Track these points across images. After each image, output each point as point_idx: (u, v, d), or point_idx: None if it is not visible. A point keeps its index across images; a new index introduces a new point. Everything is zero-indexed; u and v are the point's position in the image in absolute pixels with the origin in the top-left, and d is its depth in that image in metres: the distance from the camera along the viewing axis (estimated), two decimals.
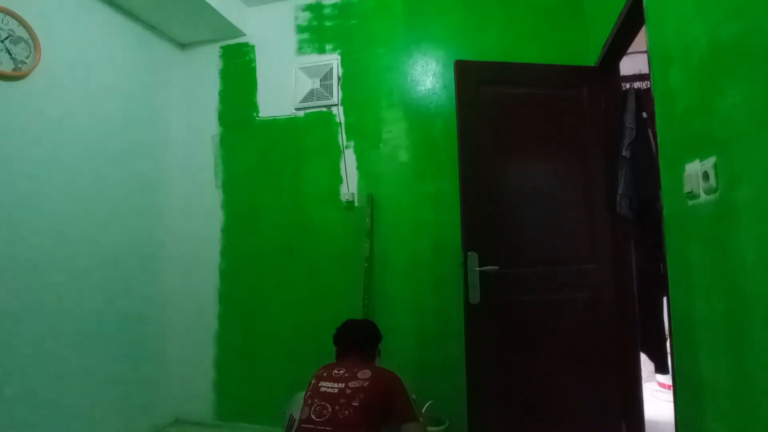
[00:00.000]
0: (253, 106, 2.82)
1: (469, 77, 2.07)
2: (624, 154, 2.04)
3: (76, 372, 2.15)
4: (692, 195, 1.15)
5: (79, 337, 2.18)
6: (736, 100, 0.96)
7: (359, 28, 2.68)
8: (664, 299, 1.76)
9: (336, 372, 1.72)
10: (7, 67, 1.92)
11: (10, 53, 1.92)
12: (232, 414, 2.68)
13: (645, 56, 1.50)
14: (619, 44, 1.92)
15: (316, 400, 1.63)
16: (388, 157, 2.55)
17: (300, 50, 2.78)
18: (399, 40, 2.61)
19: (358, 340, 1.91)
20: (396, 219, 2.50)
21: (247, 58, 2.87)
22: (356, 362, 1.80)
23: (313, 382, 1.72)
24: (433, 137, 2.49)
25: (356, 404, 1.59)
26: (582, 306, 2.06)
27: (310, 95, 2.70)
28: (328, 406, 1.61)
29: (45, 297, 2.03)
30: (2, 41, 1.90)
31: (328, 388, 1.66)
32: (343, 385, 1.65)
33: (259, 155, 2.78)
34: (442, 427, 2.16)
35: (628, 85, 2.19)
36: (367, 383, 1.66)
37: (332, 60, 2.69)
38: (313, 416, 1.59)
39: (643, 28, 1.53)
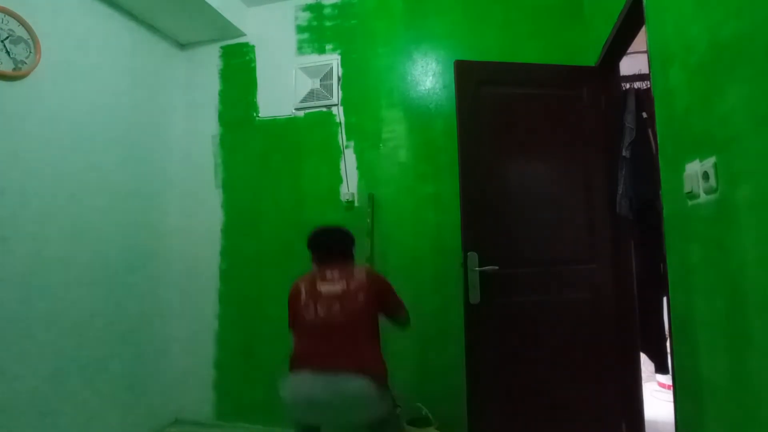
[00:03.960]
0: (253, 106, 2.82)
1: (469, 77, 2.07)
2: (624, 154, 2.04)
3: (76, 372, 2.15)
4: (692, 195, 1.15)
5: (79, 338, 2.18)
6: (735, 100, 0.96)
7: (359, 28, 2.68)
8: (664, 299, 1.76)
9: (330, 274, 1.79)
10: (7, 67, 1.92)
11: (10, 53, 1.92)
12: (232, 414, 2.68)
13: (645, 56, 1.49)
14: (619, 44, 1.92)
15: (320, 299, 1.71)
16: (388, 157, 2.55)
17: (300, 50, 2.78)
18: (399, 40, 2.61)
19: (340, 246, 1.93)
20: (396, 219, 2.50)
21: (247, 58, 2.87)
22: (345, 266, 1.85)
23: (306, 288, 1.77)
24: (433, 137, 2.49)
25: (362, 299, 1.70)
26: (582, 306, 2.06)
27: (310, 95, 2.70)
28: (336, 302, 1.70)
29: (44, 297, 2.03)
30: (2, 41, 1.90)
31: (329, 288, 1.74)
32: (345, 284, 1.74)
33: (259, 155, 2.78)
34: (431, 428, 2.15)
35: (628, 85, 2.19)
36: (365, 281, 1.75)
37: (332, 60, 2.69)
38: (320, 313, 1.69)
39: (643, 28, 1.53)
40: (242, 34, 2.87)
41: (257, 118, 2.81)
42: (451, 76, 2.33)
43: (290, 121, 2.74)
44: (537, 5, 2.42)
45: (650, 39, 1.44)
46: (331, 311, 1.69)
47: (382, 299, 1.78)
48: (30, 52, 2.01)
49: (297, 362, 1.68)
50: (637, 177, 2.01)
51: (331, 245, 1.92)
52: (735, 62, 0.96)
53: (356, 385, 1.59)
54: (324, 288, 1.74)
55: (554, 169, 2.15)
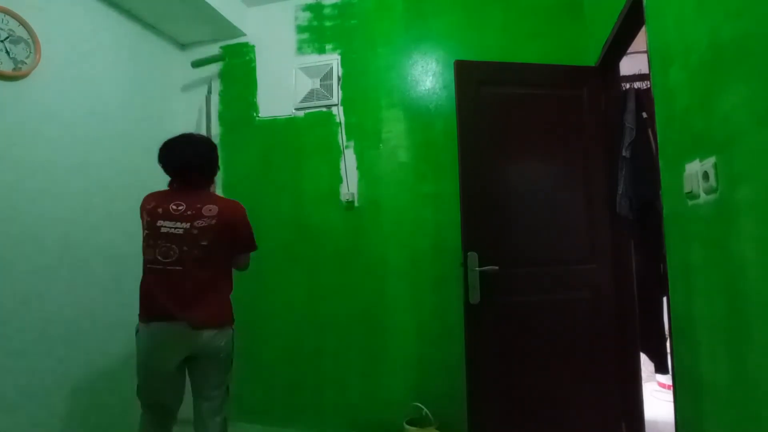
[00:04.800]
0: (253, 106, 2.82)
1: (469, 77, 2.07)
2: (624, 154, 2.04)
3: (77, 372, 2.14)
4: (692, 195, 1.15)
5: (79, 337, 2.17)
6: (736, 100, 0.96)
7: (359, 28, 2.68)
8: (664, 299, 1.76)
9: (175, 208, 1.61)
10: (7, 67, 1.92)
11: (9, 53, 1.92)
12: (232, 414, 2.67)
13: (645, 56, 1.49)
14: (619, 44, 1.92)
15: (159, 242, 1.59)
16: (388, 157, 2.55)
17: (300, 50, 2.78)
18: (399, 40, 2.60)
19: (196, 169, 1.70)
20: (396, 219, 2.50)
21: (247, 58, 2.87)
22: (196, 195, 1.67)
23: (147, 219, 1.64)
24: (433, 137, 2.49)
25: (205, 243, 1.60)
26: (582, 306, 2.06)
27: (310, 95, 2.70)
28: (175, 248, 1.59)
29: (45, 297, 2.03)
30: (2, 41, 1.90)
31: (170, 228, 1.59)
32: (188, 225, 1.59)
33: (259, 155, 2.78)
34: (430, 428, 2.15)
35: (628, 85, 2.19)
36: (214, 221, 1.62)
37: (332, 60, 2.69)
38: (159, 257, 1.60)
39: (643, 28, 1.53)
40: (242, 34, 2.87)
41: (257, 118, 2.81)
42: (451, 76, 2.33)
43: (290, 121, 2.74)
44: (537, 5, 2.42)
45: (650, 39, 1.44)
46: (170, 258, 1.58)
47: (231, 236, 1.69)
48: (30, 52, 2.01)
49: (149, 307, 1.65)
50: (637, 177, 2.01)
51: (187, 167, 1.66)
52: (735, 62, 0.96)
53: (214, 339, 1.67)
54: (166, 225, 1.58)
55: (554, 169, 2.15)
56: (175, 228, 1.59)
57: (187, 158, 1.68)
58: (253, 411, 2.63)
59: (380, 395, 2.43)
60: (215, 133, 2.88)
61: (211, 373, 1.75)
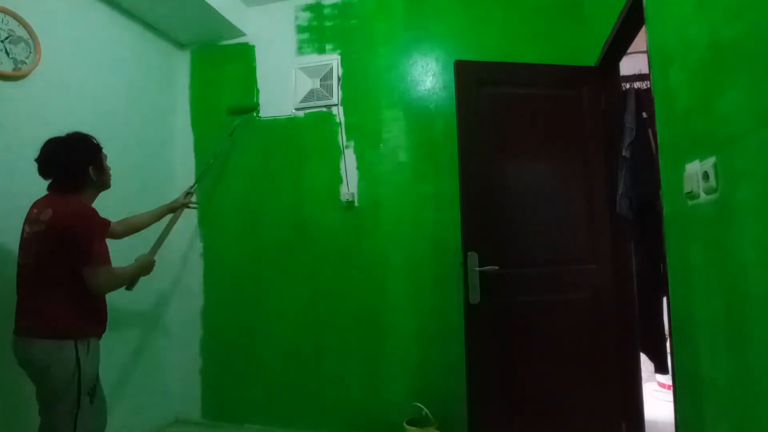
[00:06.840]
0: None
1: (469, 77, 2.07)
2: (624, 154, 2.04)
3: None
4: (692, 195, 1.15)
5: None
6: (736, 100, 0.96)
7: (359, 28, 2.68)
8: (664, 299, 1.76)
9: (32, 212, 1.58)
10: (7, 67, 1.91)
11: (9, 53, 1.92)
12: (231, 414, 2.68)
13: (645, 56, 1.50)
14: (619, 44, 1.92)
15: (21, 243, 1.59)
16: (388, 157, 2.55)
17: (300, 50, 2.78)
18: (399, 40, 2.60)
19: (53, 167, 1.59)
20: (396, 219, 2.50)
21: (247, 58, 2.87)
22: (51, 198, 1.59)
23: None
24: (433, 137, 2.49)
25: (35, 250, 1.53)
26: (582, 306, 2.06)
27: (310, 95, 2.70)
28: (23, 252, 1.57)
29: None
30: (2, 41, 1.90)
31: (25, 232, 1.58)
32: (29, 230, 1.56)
33: (259, 155, 2.77)
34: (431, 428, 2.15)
35: (628, 85, 2.19)
36: (44, 227, 1.51)
37: (332, 60, 2.69)
38: (20, 261, 1.59)
39: (643, 28, 1.53)
40: (242, 34, 2.87)
41: (257, 118, 2.81)
42: (451, 76, 2.32)
43: (290, 121, 2.74)
44: (537, 5, 2.42)
45: (650, 39, 1.44)
46: (21, 261, 1.56)
47: (64, 246, 1.51)
48: (30, 52, 2.00)
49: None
50: (637, 177, 2.01)
51: (45, 167, 1.58)
52: (735, 62, 0.96)
53: (31, 350, 1.51)
54: (25, 230, 1.58)
55: (554, 169, 2.15)
56: (25, 232, 1.57)
57: (38, 159, 1.60)
58: (254, 411, 2.63)
59: (380, 395, 2.44)
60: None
61: (38, 391, 1.57)
